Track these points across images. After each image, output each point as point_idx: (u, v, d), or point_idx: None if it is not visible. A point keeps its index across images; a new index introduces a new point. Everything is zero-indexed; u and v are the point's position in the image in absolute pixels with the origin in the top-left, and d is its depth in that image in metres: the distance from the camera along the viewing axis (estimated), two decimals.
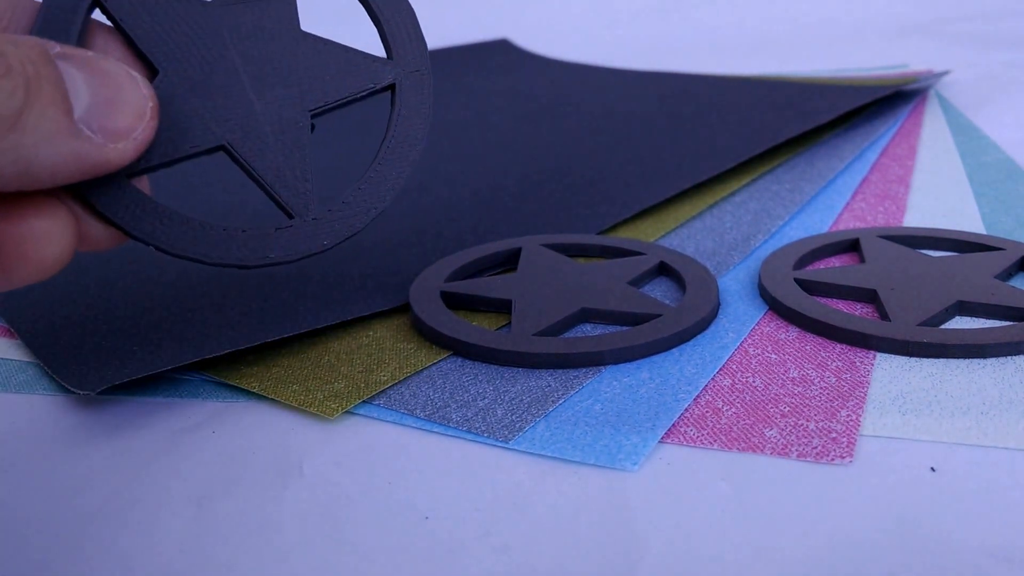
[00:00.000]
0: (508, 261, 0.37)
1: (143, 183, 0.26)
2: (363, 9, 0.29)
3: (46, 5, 0.25)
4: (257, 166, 0.27)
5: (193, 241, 0.26)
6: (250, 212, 0.44)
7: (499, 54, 0.75)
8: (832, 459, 0.25)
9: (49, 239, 0.23)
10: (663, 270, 0.36)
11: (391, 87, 0.28)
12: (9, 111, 0.20)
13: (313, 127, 0.27)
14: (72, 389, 0.29)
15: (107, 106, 0.23)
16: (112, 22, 0.27)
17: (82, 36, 0.26)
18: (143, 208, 0.25)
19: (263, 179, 0.27)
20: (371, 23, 0.29)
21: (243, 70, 0.27)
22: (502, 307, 0.33)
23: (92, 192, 0.25)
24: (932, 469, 0.25)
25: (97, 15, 0.27)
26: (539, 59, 0.74)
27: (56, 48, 0.23)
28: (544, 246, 0.37)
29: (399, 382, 0.30)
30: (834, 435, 0.26)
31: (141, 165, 0.25)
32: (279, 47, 0.27)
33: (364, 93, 0.28)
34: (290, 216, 0.27)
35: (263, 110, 0.27)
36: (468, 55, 0.74)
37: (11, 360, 0.33)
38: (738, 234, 0.40)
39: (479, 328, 0.32)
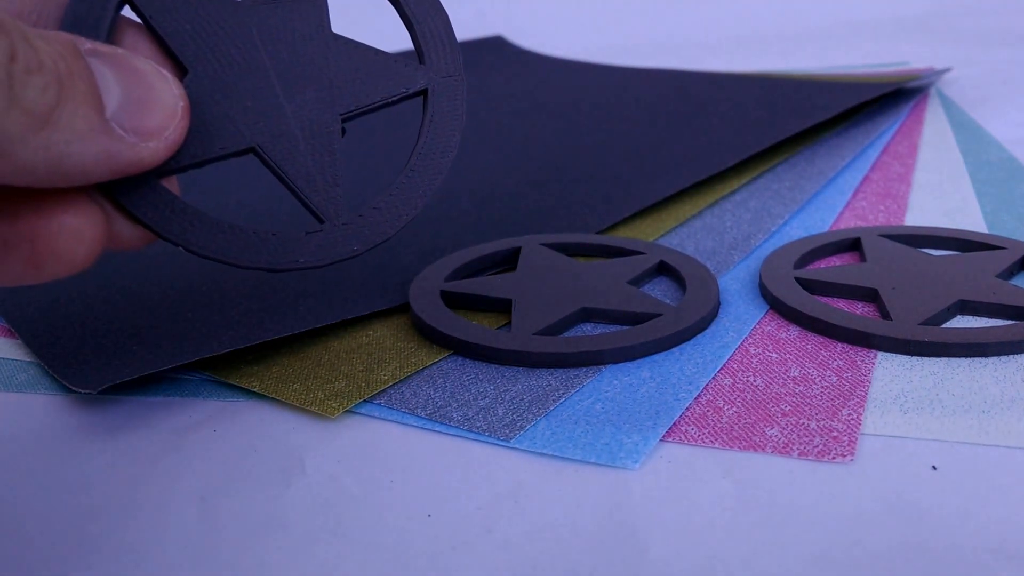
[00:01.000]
0: (508, 260, 0.37)
1: (172, 184, 0.26)
2: (396, 13, 0.29)
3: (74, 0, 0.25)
4: (287, 169, 0.26)
5: (223, 243, 0.26)
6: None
7: (494, 51, 0.75)
8: (833, 458, 0.25)
9: (79, 236, 0.23)
10: (663, 269, 0.36)
11: (423, 92, 0.28)
12: (41, 108, 0.20)
13: (344, 131, 0.27)
14: (73, 388, 0.29)
15: (139, 105, 0.23)
16: (141, 19, 0.26)
17: (111, 33, 0.25)
18: (172, 209, 0.25)
19: (293, 183, 0.26)
20: (404, 27, 0.29)
21: (273, 71, 0.26)
22: (502, 306, 0.33)
23: (122, 191, 0.25)
24: (933, 468, 0.25)
25: (127, 12, 0.26)
26: (535, 56, 0.74)
27: (87, 44, 0.22)
28: (544, 245, 0.37)
29: (400, 381, 0.30)
30: (835, 434, 0.26)
31: (171, 165, 0.25)
32: (310, 49, 0.27)
33: (396, 98, 0.27)
34: (320, 220, 0.26)
35: (293, 113, 0.26)
36: (463, 52, 0.74)
37: (12, 360, 0.33)
38: (738, 233, 0.40)
39: (479, 327, 0.32)
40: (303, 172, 0.26)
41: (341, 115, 0.27)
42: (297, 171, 0.26)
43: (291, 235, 0.26)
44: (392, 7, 0.29)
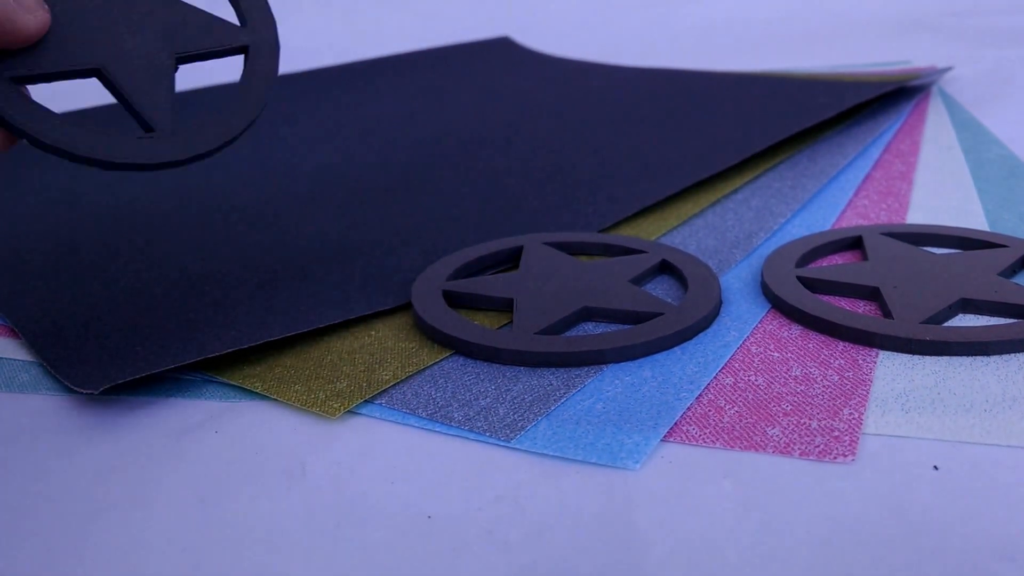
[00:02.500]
0: (510, 260, 0.37)
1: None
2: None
3: None
4: (125, 88, 0.31)
5: (63, 133, 0.29)
6: None
7: (501, 52, 0.75)
8: (835, 457, 0.25)
9: None
10: (665, 268, 0.36)
11: (245, 48, 0.34)
12: None
13: (177, 68, 0.32)
14: (75, 388, 0.29)
15: None
16: None
17: None
18: (22, 101, 0.29)
19: (130, 98, 0.31)
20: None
21: (121, 17, 0.32)
22: (504, 306, 0.33)
23: None
24: (935, 467, 0.25)
25: None
26: (541, 57, 0.74)
27: None
28: (546, 244, 0.37)
29: (401, 381, 0.30)
30: (837, 433, 0.26)
31: (24, 71, 0.29)
32: (154, 4, 0.33)
33: (223, 48, 0.33)
34: (150, 129, 0.31)
35: (135, 47, 0.32)
36: (470, 53, 0.74)
37: (14, 360, 0.33)
38: (740, 232, 0.40)
39: (481, 327, 0.32)
40: (138, 91, 0.31)
41: (175, 55, 0.32)
42: (133, 90, 0.31)
43: (125, 137, 0.30)
44: None
